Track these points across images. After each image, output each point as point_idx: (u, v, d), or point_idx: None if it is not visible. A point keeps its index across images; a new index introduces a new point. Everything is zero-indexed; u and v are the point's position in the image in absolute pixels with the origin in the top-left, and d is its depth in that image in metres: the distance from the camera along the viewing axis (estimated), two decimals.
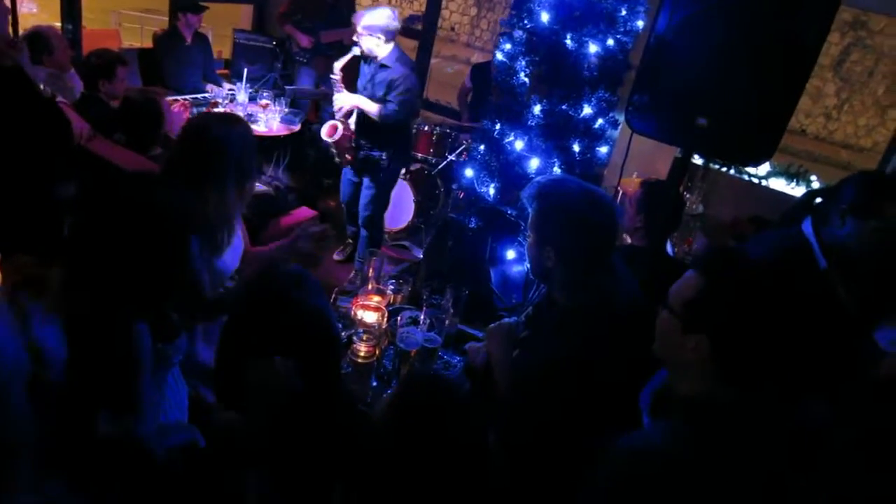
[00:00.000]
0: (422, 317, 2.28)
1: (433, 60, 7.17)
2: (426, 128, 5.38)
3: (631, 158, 4.80)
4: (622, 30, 2.72)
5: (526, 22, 2.75)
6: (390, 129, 4.07)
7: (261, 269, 1.63)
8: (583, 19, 2.64)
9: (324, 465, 1.36)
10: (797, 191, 5.52)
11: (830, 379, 2.01)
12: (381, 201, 4.44)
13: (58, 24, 4.79)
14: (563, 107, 2.74)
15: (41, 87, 3.20)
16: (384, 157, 4.19)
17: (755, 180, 5.68)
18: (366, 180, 4.34)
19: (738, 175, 5.70)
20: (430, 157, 5.37)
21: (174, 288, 1.50)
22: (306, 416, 1.38)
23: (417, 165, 5.38)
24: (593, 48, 2.67)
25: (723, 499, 1.33)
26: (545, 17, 2.68)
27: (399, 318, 2.33)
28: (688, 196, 5.18)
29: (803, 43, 2.35)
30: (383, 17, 3.82)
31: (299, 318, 1.39)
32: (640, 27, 2.81)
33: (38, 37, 3.88)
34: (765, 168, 5.82)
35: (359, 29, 3.81)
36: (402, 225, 5.38)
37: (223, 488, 1.41)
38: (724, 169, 5.53)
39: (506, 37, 2.84)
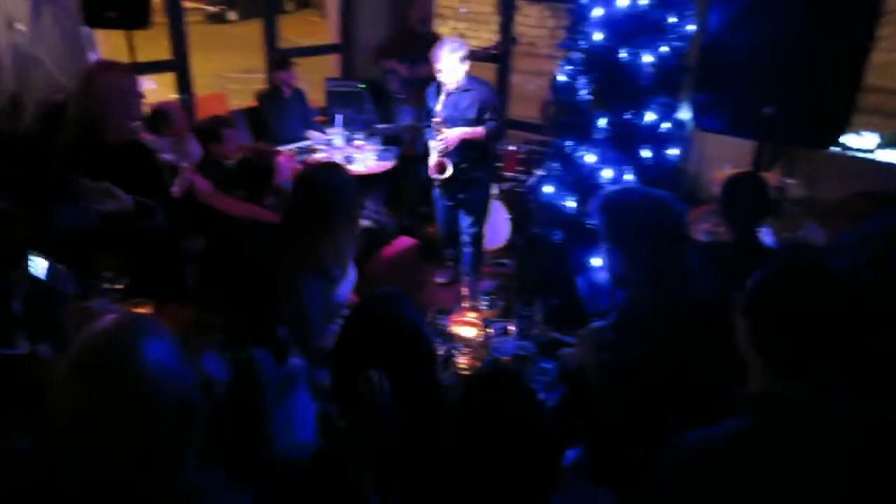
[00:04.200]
0: (511, 328, 2.47)
1: (517, 77, 7.21)
2: (512, 148, 5.55)
3: (724, 159, 4.71)
4: (674, 36, 2.81)
5: (581, 43, 2.90)
6: (481, 147, 4.36)
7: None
8: (634, 33, 2.76)
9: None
10: None
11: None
12: (482, 216, 4.73)
13: (174, 96, 5.40)
14: (626, 116, 2.86)
15: (163, 154, 3.61)
16: (479, 175, 4.48)
17: (861, 154, 5.39)
18: (466, 200, 4.59)
19: (842, 152, 5.42)
20: (519, 176, 5.54)
21: (278, 317, 1.80)
22: (405, 418, 1.61)
23: (509, 185, 5.56)
24: (647, 58, 2.78)
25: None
26: (598, 36, 2.83)
27: (491, 330, 2.53)
28: (789, 182, 5.00)
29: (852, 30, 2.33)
30: (461, 46, 4.08)
31: (395, 334, 1.64)
32: (692, 31, 2.89)
33: (156, 112, 4.39)
34: (873, 140, 5.52)
35: (446, 63, 4.01)
36: (500, 244, 5.56)
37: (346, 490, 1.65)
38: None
39: (564, 59, 3.01)
